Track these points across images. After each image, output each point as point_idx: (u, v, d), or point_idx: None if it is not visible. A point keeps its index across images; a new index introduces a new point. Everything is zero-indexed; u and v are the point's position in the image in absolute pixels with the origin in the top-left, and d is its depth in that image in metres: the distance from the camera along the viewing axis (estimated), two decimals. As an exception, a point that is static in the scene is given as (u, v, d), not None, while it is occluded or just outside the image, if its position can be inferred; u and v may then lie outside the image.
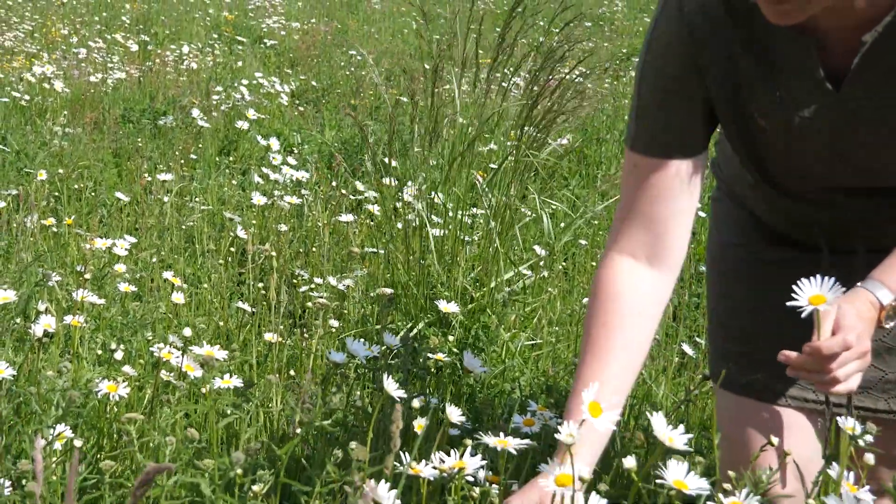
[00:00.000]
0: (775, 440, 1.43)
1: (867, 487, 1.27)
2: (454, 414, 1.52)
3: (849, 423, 1.36)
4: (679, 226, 1.43)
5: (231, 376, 1.83)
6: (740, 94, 1.38)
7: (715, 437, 1.45)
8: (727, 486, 1.30)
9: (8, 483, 1.50)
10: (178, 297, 2.65)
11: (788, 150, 1.39)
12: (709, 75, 1.38)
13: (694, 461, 1.34)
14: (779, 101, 1.35)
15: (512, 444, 1.39)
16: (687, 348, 2.67)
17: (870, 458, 1.30)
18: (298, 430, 1.54)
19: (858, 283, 1.31)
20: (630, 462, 1.23)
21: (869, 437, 1.33)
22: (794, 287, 1.26)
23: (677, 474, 1.21)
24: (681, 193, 1.42)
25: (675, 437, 1.22)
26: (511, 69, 3.24)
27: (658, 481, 1.20)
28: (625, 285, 1.42)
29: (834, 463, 1.32)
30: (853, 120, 1.32)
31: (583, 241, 4.05)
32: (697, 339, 3.15)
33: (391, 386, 1.52)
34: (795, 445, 1.47)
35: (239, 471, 1.27)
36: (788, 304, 1.25)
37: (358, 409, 1.81)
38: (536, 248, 3.28)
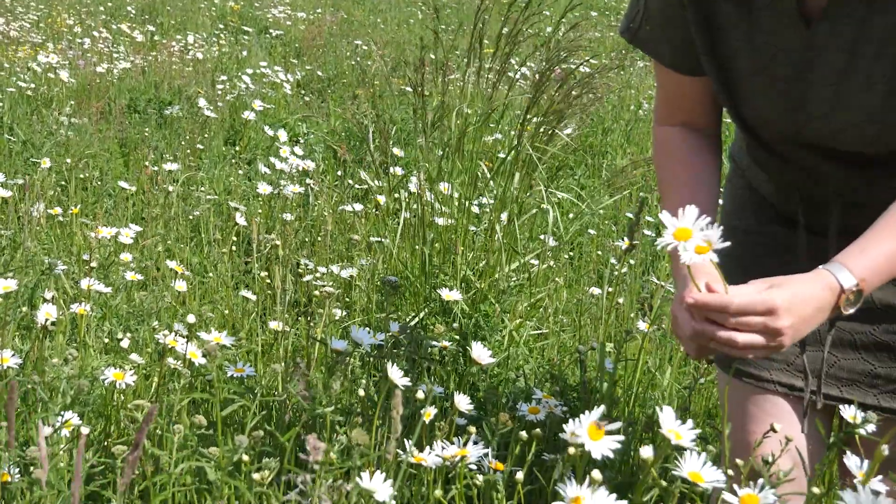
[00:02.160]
0: (778, 426, 1.43)
1: (879, 477, 1.27)
2: (462, 402, 1.52)
3: (850, 412, 1.36)
4: (704, 103, 1.52)
5: (241, 365, 1.84)
6: (713, 28, 1.39)
7: (725, 426, 1.44)
8: (731, 472, 1.30)
9: (17, 470, 1.51)
10: (180, 286, 2.66)
11: (755, 90, 1.40)
12: (689, 6, 1.40)
13: (702, 449, 1.34)
14: (749, 36, 1.36)
15: None
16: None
17: (885, 448, 1.29)
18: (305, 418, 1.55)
19: (821, 265, 1.25)
20: (647, 452, 1.21)
21: (871, 427, 1.32)
22: (663, 218, 1.19)
23: (693, 466, 1.19)
24: (697, 81, 1.49)
25: (683, 432, 1.19)
26: (517, 60, 3.23)
27: (673, 473, 1.19)
28: (679, 138, 1.54)
29: (853, 455, 1.32)
30: (817, 62, 1.32)
31: (591, 231, 4.06)
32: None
33: (396, 374, 1.52)
34: (785, 431, 1.47)
35: (245, 456, 1.28)
36: (657, 242, 1.21)
37: (362, 397, 1.82)
38: (543, 237, 3.28)
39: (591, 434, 1.17)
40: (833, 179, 1.43)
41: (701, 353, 1.31)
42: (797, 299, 1.20)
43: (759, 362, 1.54)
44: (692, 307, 1.22)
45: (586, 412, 1.19)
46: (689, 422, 1.21)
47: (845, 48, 1.29)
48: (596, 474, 1.19)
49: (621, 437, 1.17)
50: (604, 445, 1.16)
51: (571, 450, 1.24)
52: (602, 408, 1.20)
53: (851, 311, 1.24)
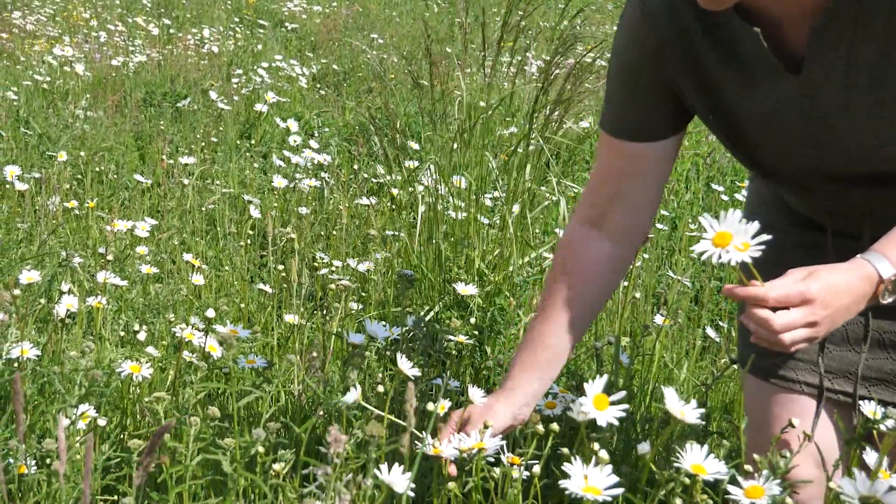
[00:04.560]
0: (796, 421, 1.42)
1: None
2: (476, 395, 1.52)
3: (870, 408, 1.35)
4: (632, 203, 1.51)
5: (255, 356, 1.84)
6: (711, 90, 1.38)
7: (741, 421, 1.44)
8: (748, 467, 1.29)
9: (33, 462, 1.51)
10: (197, 279, 2.66)
11: (767, 139, 1.38)
12: (676, 74, 1.40)
13: (717, 443, 1.33)
14: (747, 92, 1.35)
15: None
16: (710, 332, 2.66)
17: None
18: (321, 412, 1.54)
19: (859, 255, 1.23)
20: (644, 448, 1.21)
21: (891, 422, 1.31)
22: (702, 221, 1.17)
23: (695, 458, 1.19)
24: (638, 173, 1.50)
25: (688, 411, 1.20)
26: (531, 53, 3.22)
27: (675, 465, 1.19)
28: (578, 250, 1.54)
29: (869, 450, 1.31)
30: (818, 103, 1.31)
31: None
32: (720, 323, 3.14)
33: (405, 365, 1.51)
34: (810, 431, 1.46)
35: (261, 448, 1.27)
36: (693, 247, 1.20)
37: (380, 392, 1.81)
38: (558, 231, 3.27)
39: (597, 404, 1.18)
40: (861, 201, 1.41)
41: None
42: (833, 290, 1.19)
43: (785, 363, 1.52)
44: (730, 296, 1.21)
45: (590, 381, 1.20)
46: (693, 401, 1.21)
47: (841, 82, 1.27)
48: (603, 454, 1.20)
49: (626, 407, 1.18)
50: (609, 415, 1.17)
51: (595, 446, 1.24)
52: (605, 377, 1.21)
53: (890, 300, 1.22)
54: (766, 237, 1.13)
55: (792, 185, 1.47)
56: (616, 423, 1.18)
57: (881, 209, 1.37)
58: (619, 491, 1.10)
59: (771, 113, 1.34)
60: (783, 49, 1.30)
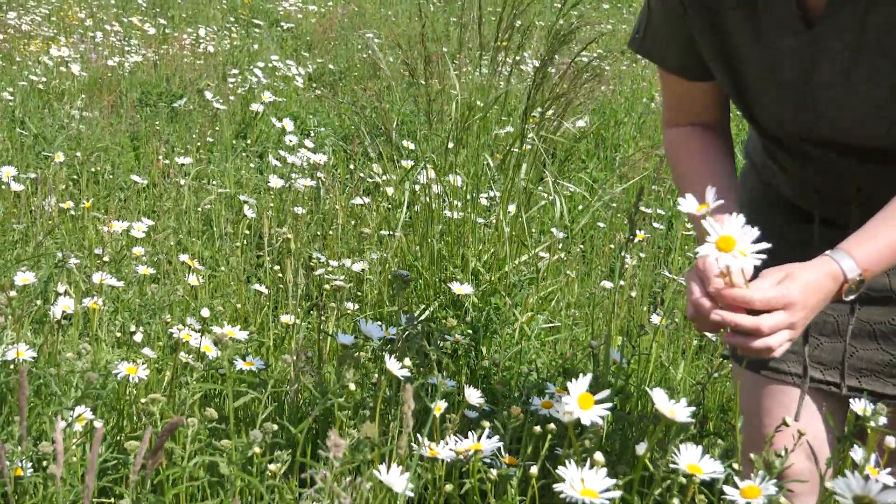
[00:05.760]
0: (790, 420, 1.42)
1: (888, 470, 1.26)
2: (473, 396, 1.52)
3: (860, 405, 1.35)
4: (711, 104, 1.52)
5: (251, 357, 1.84)
6: (721, 34, 1.39)
7: (737, 420, 1.44)
8: (738, 466, 1.30)
9: (30, 465, 1.51)
10: (193, 280, 2.66)
11: (764, 95, 1.40)
12: (692, 13, 1.40)
13: (713, 443, 1.34)
14: (753, 42, 1.36)
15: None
16: (705, 331, 2.66)
17: (890, 441, 1.29)
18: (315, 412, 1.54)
19: (826, 252, 1.25)
20: (642, 449, 1.21)
21: (883, 420, 1.31)
22: (706, 225, 1.16)
23: (691, 458, 1.19)
24: (702, 85, 1.50)
25: (678, 410, 1.20)
26: (527, 52, 3.22)
27: (672, 465, 1.19)
28: (690, 135, 1.53)
29: (857, 447, 1.31)
30: (822, 62, 1.31)
31: (601, 224, 4.04)
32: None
33: (394, 366, 1.51)
34: (803, 424, 1.47)
35: (258, 449, 1.27)
36: (697, 249, 1.20)
37: (375, 390, 1.81)
38: (554, 230, 3.27)
39: (581, 403, 1.18)
40: (851, 176, 1.42)
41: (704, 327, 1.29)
42: (808, 290, 1.21)
43: None
44: (717, 298, 1.22)
45: (573, 380, 1.20)
46: (683, 400, 1.21)
47: (848, 47, 1.28)
48: (599, 456, 1.20)
49: (610, 405, 1.19)
50: (593, 413, 1.18)
51: (587, 442, 1.24)
52: (589, 376, 1.21)
53: (852, 297, 1.25)
54: (765, 245, 1.14)
55: (786, 149, 1.47)
56: (600, 421, 1.18)
57: (867, 196, 1.38)
58: (617, 494, 1.10)
59: (773, 66, 1.36)
60: (801, 8, 1.31)
